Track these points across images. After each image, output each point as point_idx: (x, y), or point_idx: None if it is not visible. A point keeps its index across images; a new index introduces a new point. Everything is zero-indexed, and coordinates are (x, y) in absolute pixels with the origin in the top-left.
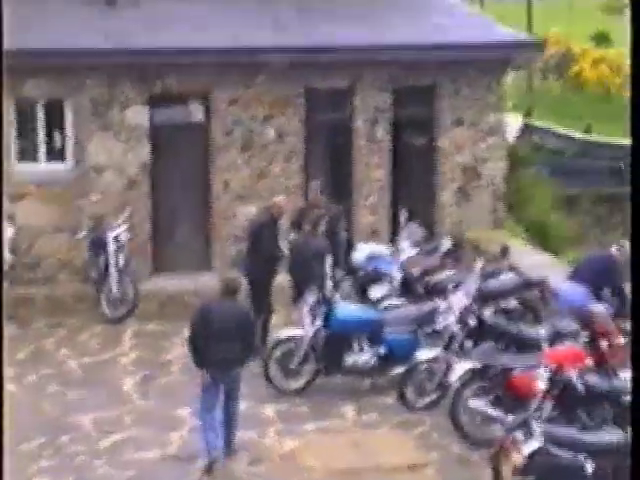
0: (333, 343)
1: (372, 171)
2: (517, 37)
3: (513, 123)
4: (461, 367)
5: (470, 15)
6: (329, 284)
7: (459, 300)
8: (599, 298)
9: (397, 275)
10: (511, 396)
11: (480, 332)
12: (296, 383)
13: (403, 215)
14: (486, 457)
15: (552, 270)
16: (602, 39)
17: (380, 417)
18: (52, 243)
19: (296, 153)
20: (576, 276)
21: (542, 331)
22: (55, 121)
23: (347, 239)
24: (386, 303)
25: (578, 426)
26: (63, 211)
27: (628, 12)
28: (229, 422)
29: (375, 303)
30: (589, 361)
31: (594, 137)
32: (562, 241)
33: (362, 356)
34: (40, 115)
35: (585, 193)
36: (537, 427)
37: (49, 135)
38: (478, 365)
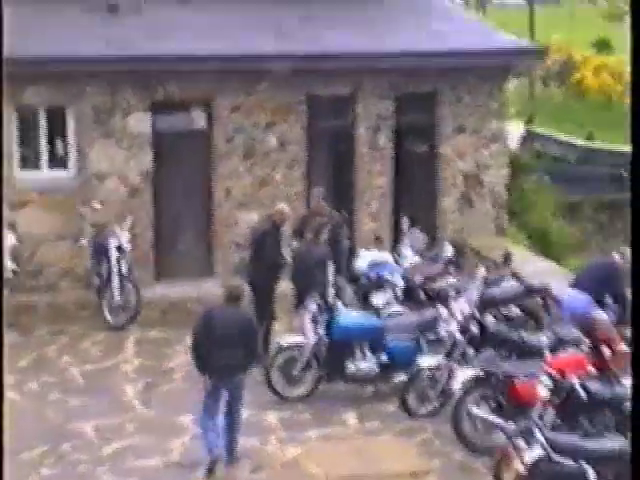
0: (335, 350)
1: (374, 178)
2: (519, 44)
3: (515, 130)
4: (463, 374)
5: (472, 22)
6: (331, 291)
7: (461, 307)
8: (601, 305)
9: (399, 282)
10: (513, 403)
11: (482, 339)
12: (298, 390)
13: (405, 222)
14: (488, 465)
15: (554, 277)
16: (603, 46)
17: (382, 424)
18: (54, 251)
19: (298, 160)
20: (578, 283)
21: (544, 338)
22: (57, 128)
23: (349, 246)
24: (388, 310)
25: (580, 433)
26: (65, 219)
27: (629, 19)
28: (231, 429)
29: (377, 310)
30: (591, 368)
31: (596, 144)
32: (564, 248)
33: (364, 363)
34: (42, 122)
35: (587, 200)
36: (539, 434)
37: (51, 143)
38: (480, 372)
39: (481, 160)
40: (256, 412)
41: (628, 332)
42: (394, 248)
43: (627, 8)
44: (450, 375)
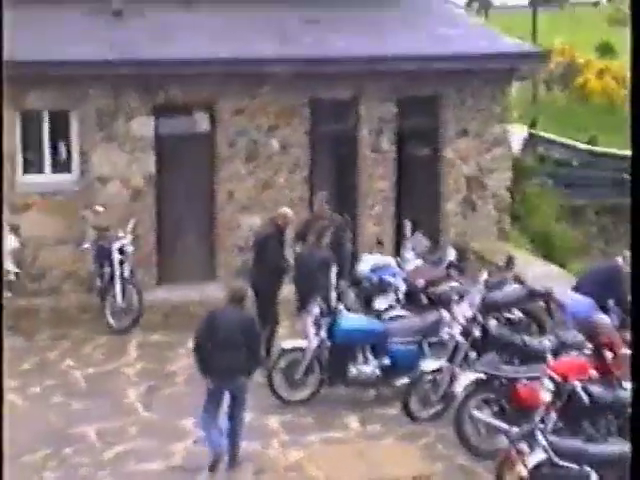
0: (337, 354)
1: (377, 182)
2: (521, 48)
3: (518, 134)
4: (465, 378)
5: (474, 26)
6: (334, 295)
7: (464, 311)
8: (604, 309)
9: (401, 286)
10: (516, 407)
11: (485, 343)
12: (300, 394)
13: (408, 226)
14: (491, 468)
15: (557, 281)
16: (607, 50)
17: (384, 428)
18: (57, 254)
19: (301, 164)
20: (581, 287)
21: (547, 342)
22: (60, 132)
23: (352, 250)
24: (390, 314)
25: (583, 437)
26: (68, 222)
27: None
28: (234, 432)
29: (379, 314)
30: (594, 372)
31: (599, 148)
32: (567, 252)
33: (366, 367)
34: (45, 126)
35: (590, 204)
36: (542, 438)
37: (54, 146)
38: (482, 376)
39: (484, 164)
40: (258, 416)
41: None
42: (397, 252)
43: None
44: (452, 379)
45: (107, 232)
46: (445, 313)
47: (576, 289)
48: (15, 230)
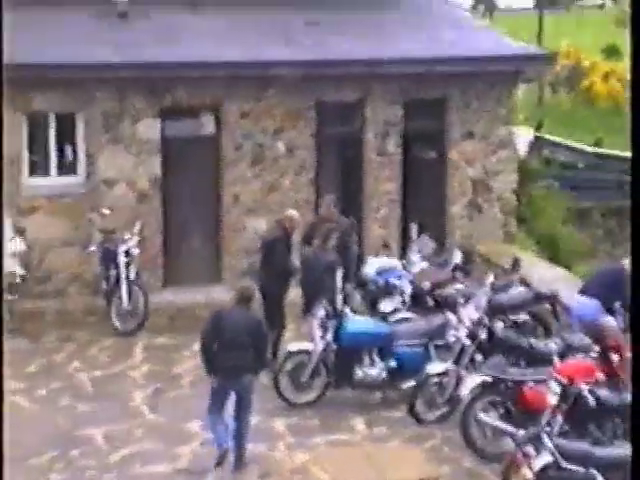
0: (343, 356)
1: (383, 184)
2: (527, 50)
3: (524, 136)
4: (472, 381)
5: (480, 28)
6: (339, 297)
7: (470, 313)
8: (610, 312)
9: (407, 288)
10: (522, 410)
11: (491, 346)
12: (307, 396)
13: (413, 228)
14: (497, 471)
15: (563, 283)
16: (613, 52)
17: (390, 431)
18: (63, 256)
19: (306, 166)
20: (587, 290)
21: (553, 345)
22: (66, 134)
23: (357, 252)
24: (396, 316)
25: (589, 440)
26: (74, 225)
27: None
28: (240, 434)
29: (385, 316)
30: (600, 375)
31: (605, 150)
32: (573, 254)
33: (372, 369)
34: (51, 128)
35: (596, 206)
36: (548, 441)
37: (60, 149)
38: (489, 379)
39: (490, 166)
40: (264, 418)
41: None
42: (402, 254)
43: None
44: (458, 381)
45: (113, 234)
46: (451, 316)
47: (582, 292)
48: (21, 232)
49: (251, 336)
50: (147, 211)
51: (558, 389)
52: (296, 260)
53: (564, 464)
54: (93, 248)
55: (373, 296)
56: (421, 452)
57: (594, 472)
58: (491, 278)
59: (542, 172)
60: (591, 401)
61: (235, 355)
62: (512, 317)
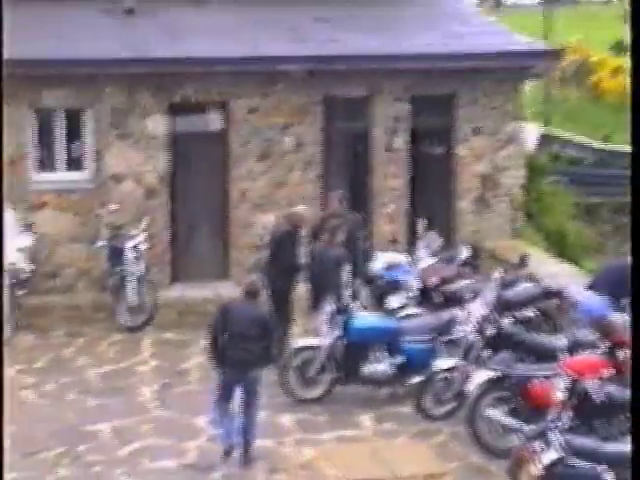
0: (351, 352)
1: (390, 180)
2: (535, 46)
3: (532, 132)
4: (479, 376)
5: (488, 24)
6: (347, 293)
7: (477, 309)
8: (618, 307)
9: (415, 284)
10: (529, 406)
11: (498, 341)
12: (314, 392)
13: (421, 224)
14: (504, 467)
15: (571, 279)
16: (621, 48)
17: (398, 426)
18: (71, 252)
19: (314, 162)
20: (595, 285)
21: (561, 341)
22: (74, 130)
23: (365, 248)
24: (404, 312)
25: (596, 436)
26: (82, 220)
27: None
28: (247, 429)
29: (393, 312)
30: (608, 371)
31: (613, 146)
32: (581, 250)
33: (380, 365)
34: (59, 124)
35: (604, 202)
36: (555, 437)
37: (68, 144)
38: (496, 374)
39: (498, 162)
40: (272, 414)
41: None
42: (410, 250)
43: None
44: (466, 377)
45: (121, 230)
46: (459, 311)
47: (590, 287)
48: (30, 228)
49: (258, 330)
50: (155, 207)
51: (565, 385)
52: (304, 255)
53: (572, 460)
54: (101, 243)
55: (381, 292)
56: (428, 448)
57: (601, 468)
58: (499, 274)
59: (550, 168)
60: (598, 397)
61: (242, 348)
62: (520, 313)
